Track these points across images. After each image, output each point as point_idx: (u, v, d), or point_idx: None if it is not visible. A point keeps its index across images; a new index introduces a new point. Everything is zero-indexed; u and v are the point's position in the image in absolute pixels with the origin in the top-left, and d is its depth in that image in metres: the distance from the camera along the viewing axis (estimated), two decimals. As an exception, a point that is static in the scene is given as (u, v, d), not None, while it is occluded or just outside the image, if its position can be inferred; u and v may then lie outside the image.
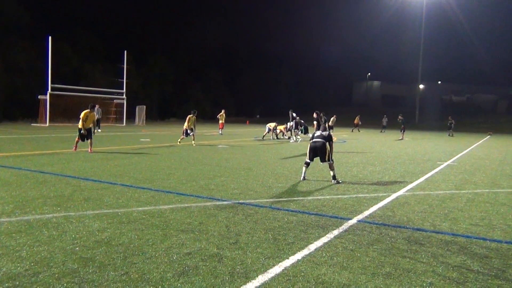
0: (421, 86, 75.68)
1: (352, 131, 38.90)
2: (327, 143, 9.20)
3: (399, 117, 30.75)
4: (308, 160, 9.37)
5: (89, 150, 13.55)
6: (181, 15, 78.75)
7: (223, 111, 28.36)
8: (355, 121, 39.22)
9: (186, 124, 17.85)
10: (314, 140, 9.38)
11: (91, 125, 13.94)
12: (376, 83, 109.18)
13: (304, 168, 9.46)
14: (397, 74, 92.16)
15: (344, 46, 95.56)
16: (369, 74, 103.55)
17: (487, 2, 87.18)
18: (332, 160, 9.23)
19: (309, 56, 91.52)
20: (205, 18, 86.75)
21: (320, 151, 9.17)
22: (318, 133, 9.52)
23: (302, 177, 9.36)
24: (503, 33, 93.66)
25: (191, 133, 17.76)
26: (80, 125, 13.64)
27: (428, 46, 69.49)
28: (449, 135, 36.16)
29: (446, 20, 75.70)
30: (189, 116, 17.95)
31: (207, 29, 79.85)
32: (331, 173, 9.23)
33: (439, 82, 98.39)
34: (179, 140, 18.12)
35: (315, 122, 17.32)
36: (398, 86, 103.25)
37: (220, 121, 27.58)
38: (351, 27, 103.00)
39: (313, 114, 19.12)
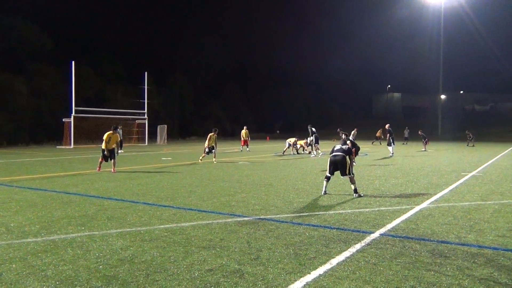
0: (443, 97, 74.62)
1: (373, 143, 38.50)
2: (347, 157, 9.15)
3: (419, 132, 30.33)
4: (329, 174, 9.32)
5: (112, 170, 13.79)
6: (199, 35, 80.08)
7: (245, 127, 28.40)
8: (377, 134, 38.78)
9: (207, 142, 18.01)
10: (334, 154, 9.34)
11: (114, 146, 14.21)
12: (396, 95, 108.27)
13: (325, 182, 9.41)
14: (417, 85, 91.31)
15: (362, 59, 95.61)
16: (389, 86, 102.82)
17: (508, 10, 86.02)
18: (352, 174, 9.16)
19: (327, 70, 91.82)
20: (223, 37, 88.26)
21: (340, 165, 9.12)
22: (338, 146, 9.48)
23: (323, 191, 9.31)
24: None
25: (213, 151, 17.91)
26: (103, 146, 13.92)
27: (448, 56, 68.83)
28: (468, 145, 35.74)
29: (465, 29, 75.11)
30: (210, 134, 18.13)
31: (225, 48, 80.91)
32: (352, 187, 9.15)
33: (461, 91, 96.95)
34: (200, 158, 18.26)
35: (343, 136, 17.20)
36: (419, 97, 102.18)
37: (243, 138, 27.73)
38: (369, 40, 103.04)
39: (337, 130, 18.92)
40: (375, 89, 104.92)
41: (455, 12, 62.87)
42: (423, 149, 28.33)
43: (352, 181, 9.15)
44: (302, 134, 26.87)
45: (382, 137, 38.56)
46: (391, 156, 21.83)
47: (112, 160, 13.98)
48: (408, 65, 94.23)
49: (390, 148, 22.81)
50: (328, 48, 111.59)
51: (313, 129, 23.24)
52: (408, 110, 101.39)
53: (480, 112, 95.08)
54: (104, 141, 13.92)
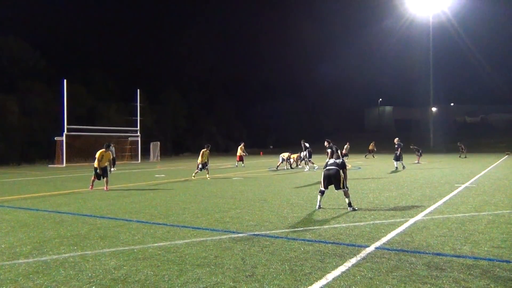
0: (434, 109, 75.37)
1: (366, 156, 38.60)
2: (341, 171, 9.16)
3: (411, 146, 30.36)
4: (323, 189, 9.31)
5: (105, 188, 13.70)
6: (191, 51, 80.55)
7: (242, 143, 28.38)
8: (370, 147, 38.86)
9: (200, 158, 17.94)
10: (327, 168, 9.35)
11: (106, 164, 14.16)
12: (388, 108, 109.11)
13: (319, 197, 9.40)
14: (408, 98, 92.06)
15: (354, 73, 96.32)
16: (380, 99, 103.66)
17: (494, 23, 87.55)
18: (347, 188, 9.16)
19: (319, 85, 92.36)
20: (215, 53, 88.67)
21: (334, 179, 9.12)
22: (331, 161, 9.49)
23: (317, 206, 9.29)
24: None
25: (206, 167, 17.88)
26: (95, 164, 13.86)
27: (438, 69, 69.73)
28: (460, 156, 36.05)
29: (453, 42, 76.11)
30: (203, 150, 18.08)
31: (217, 63, 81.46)
32: (347, 200, 9.14)
33: (452, 104, 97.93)
34: (193, 174, 18.20)
35: (328, 151, 17.18)
36: (410, 110, 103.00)
37: (239, 153, 27.71)
38: (360, 54, 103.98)
39: (324, 143, 18.98)
40: (367, 102, 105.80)
41: (443, 26, 64.00)
42: (416, 162, 28.42)
43: (347, 194, 9.15)
44: (295, 148, 26.93)
45: (375, 149, 38.70)
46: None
47: (105, 178, 13.88)
48: (399, 79, 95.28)
49: (395, 163, 22.47)
50: (320, 62, 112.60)
51: (306, 144, 23.33)
52: (400, 123, 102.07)
53: (471, 123, 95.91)
54: (96, 159, 13.85)
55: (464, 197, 10.99)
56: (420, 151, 29.67)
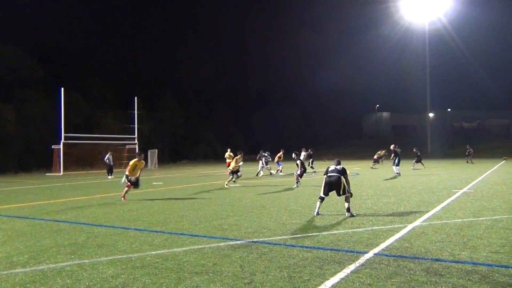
0: (431, 115, 75.58)
1: (380, 162, 36.25)
2: (342, 177, 9.16)
3: (414, 149, 30.31)
4: (323, 195, 9.31)
5: (122, 197, 13.02)
6: (189, 58, 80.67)
7: (229, 150, 28.40)
8: (382, 153, 36.53)
9: (233, 164, 17.42)
10: (329, 174, 9.35)
11: (138, 174, 13.37)
12: (385, 114, 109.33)
13: (318, 203, 9.39)
14: (406, 104, 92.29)
15: (351, 80, 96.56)
16: (377, 105, 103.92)
17: (490, 29, 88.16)
18: (350, 193, 9.17)
19: (316, 91, 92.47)
20: (213, 60, 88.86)
21: (336, 185, 9.12)
22: (332, 167, 9.49)
23: (315, 212, 9.27)
24: (510, 55, 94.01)
25: (237, 174, 17.42)
26: (127, 171, 13.19)
27: (434, 74, 70.02)
28: (467, 162, 35.87)
29: (449, 48, 76.43)
30: (237, 157, 17.61)
31: (215, 70, 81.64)
32: (346, 205, 9.14)
33: (449, 109, 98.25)
34: (226, 182, 17.53)
35: (298, 162, 17.01)
36: (407, 116, 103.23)
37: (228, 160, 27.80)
38: (357, 60, 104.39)
39: (302, 149, 18.62)
40: (364, 108, 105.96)
41: (439, 32, 64.34)
42: (413, 167, 28.40)
43: (347, 200, 9.15)
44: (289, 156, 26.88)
45: (387, 154, 37.15)
46: (398, 175, 21.50)
47: (137, 187, 13.41)
48: (396, 85, 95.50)
49: (395, 168, 22.44)
50: (317, 69, 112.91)
51: (265, 153, 24.82)
52: (397, 129, 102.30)
53: (468, 129, 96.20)
54: (129, 168, 13.20)
55: (462, 202, 10.99)
56: (419, 155, 29.65)
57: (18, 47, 45.98)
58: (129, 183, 13.18)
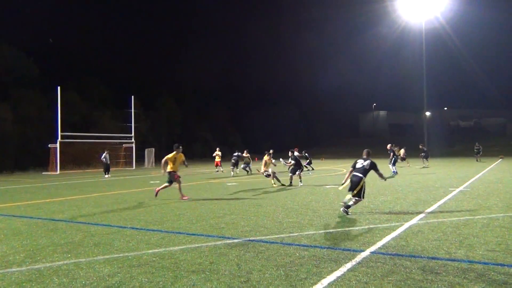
0: (428, 113, 75.72)
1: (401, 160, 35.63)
2: (364, 178, 9.16)
3: (420, 146, 30.50)
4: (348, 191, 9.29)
5: (183, 197, 12.57)
6: (186, 57, 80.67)
7: (217, 149, 29.05)
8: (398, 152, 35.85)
9: (264, 167, 16.97)
10: (354, 173, 9.33)
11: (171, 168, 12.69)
12: (382, 113, 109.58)
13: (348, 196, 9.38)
14: (402, 103, 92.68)
15: (348, 79, 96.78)
16: (374, 104, 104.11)
17: (486, 28, 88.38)
18: (363, 198, 9.17)
19: (313, 90, 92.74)
20: (210, 59, 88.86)
21: (354, 184, 9.14)
22: (359, 164, 9.39)
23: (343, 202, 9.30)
24: (506, 54, 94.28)
25: (272, 173, 16.82)
26: (169, 168, 12.56)
27: (431, 73, 70.24)
28: (477, 160, 35.92)
29: (446, 47, 76.76)
30: (265, 158, 17.11)
31: (212, 69, 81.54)
32: (350, 203, 9.07)
33: (446, 108, 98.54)
34: (273, 183, 16.69)
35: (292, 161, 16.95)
36: (404, 115, 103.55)
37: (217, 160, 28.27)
38: (354, 59, 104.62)
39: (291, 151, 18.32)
40: (361, 107, 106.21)
41: (436, 31, 64.39)
42: (425, 166, 28.54)
43: (355, 202, 9.12)
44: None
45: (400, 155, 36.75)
46: (395, 174, 21.49)
47: (178, 184, 12.64)
48: (393, 84, 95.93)
49: (391, 167, 22.44)
50: (314, 68, 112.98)
51: (235, 154, 25.64)
52: (394, 127, 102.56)
53: (465, 128, 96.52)
54: (170, 162, 12.54)
55: (458, 201, 11.03)
56: (425, 150, 29.81)
57: (14, 46, 45.80)
58: (169, 182, 12.64)
